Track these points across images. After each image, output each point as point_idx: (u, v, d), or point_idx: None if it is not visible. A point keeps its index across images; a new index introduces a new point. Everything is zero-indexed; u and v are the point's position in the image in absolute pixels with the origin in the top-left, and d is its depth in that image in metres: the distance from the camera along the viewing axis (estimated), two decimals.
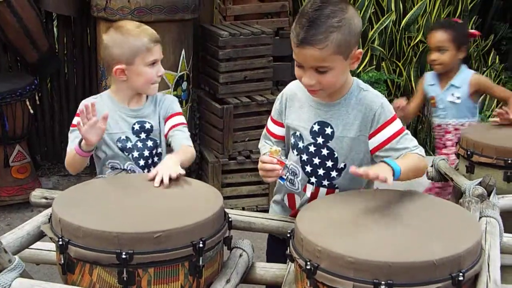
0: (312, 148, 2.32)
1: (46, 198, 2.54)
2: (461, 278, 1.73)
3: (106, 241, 1.82)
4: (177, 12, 4.43)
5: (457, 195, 3.09)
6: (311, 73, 2.15)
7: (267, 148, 2.40)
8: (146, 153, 2.63)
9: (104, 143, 2.59)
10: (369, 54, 5.57)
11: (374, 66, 5.60)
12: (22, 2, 4.68)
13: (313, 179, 2.35)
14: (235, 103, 4.69)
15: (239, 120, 4.74)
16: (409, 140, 2.26)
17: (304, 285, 1.85)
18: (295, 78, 2.30)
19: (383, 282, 1.69)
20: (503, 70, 5.96)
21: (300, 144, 2.34)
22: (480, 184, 2.77)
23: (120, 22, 2.72)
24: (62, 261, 1.90)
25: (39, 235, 2.13)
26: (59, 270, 1.95)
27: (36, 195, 2.56)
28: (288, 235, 2.01)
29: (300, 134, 2.34)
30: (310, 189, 2.36)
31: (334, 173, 2.32)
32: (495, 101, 5.54)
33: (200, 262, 1.90)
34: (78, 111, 2.44)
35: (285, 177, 2.33)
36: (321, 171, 2.33)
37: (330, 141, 2.29)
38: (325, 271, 1.77)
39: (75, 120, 2.54)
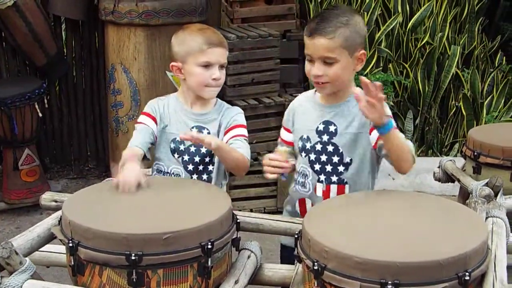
0: (318, 146, 2.43)
1: (56, 201, 2.56)
2: (467, 278, 1.75)
3: (116, 242, 1.84)
4: (184, 15, 4.45)
5: (464, 195, 3.10)
6: (319, 65, 2.34)
7: None
8: (197, 159, 2.57)
9: (160, 139, 2.58)
10: (376, 56, 5.56)
11: (381, 68, 5.59)
12: (30, 7, 4.71)
13: (322, 177, 2.44)
14: (243, 106, 4.68)
15: (247, 122, 4.71)
16: (399, 132, 2.33)
17: (311, 285, 1.86)
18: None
19: (389, 282, 1.70)
20: (510, 71, 5.93)
21: (308, 145, 2.46)
22: (487, 184, 2.79)
23: (191, 24, 2.75)
24: (72, 263, 1.92)
25: (49, 238, 2.15)
26: (69, 271, 1.97)
27: (46, 198, 2.58)
28: (296, 236, 2.03)
29: (307, 136, 2.47)
30: (320, 187, 2.44)
31: (341, 168, 2.41)
32: (503, 101, 5.53)
33: (209, 263, 1.92)
34: (145, 110, 2.59)
35: (286, 176, 2.44)
36: (329, 167, 2.42)
37: (334, 137, 2.41)
38: (332, 272, 1.78)
39: (141, 118, 2.60)
